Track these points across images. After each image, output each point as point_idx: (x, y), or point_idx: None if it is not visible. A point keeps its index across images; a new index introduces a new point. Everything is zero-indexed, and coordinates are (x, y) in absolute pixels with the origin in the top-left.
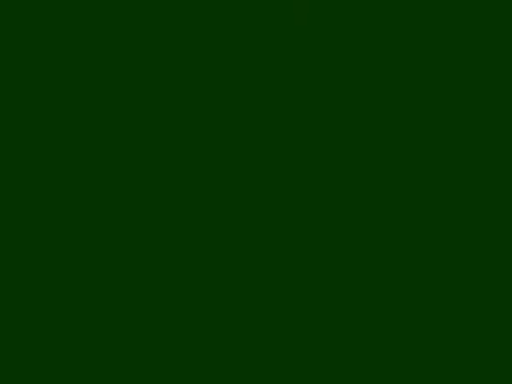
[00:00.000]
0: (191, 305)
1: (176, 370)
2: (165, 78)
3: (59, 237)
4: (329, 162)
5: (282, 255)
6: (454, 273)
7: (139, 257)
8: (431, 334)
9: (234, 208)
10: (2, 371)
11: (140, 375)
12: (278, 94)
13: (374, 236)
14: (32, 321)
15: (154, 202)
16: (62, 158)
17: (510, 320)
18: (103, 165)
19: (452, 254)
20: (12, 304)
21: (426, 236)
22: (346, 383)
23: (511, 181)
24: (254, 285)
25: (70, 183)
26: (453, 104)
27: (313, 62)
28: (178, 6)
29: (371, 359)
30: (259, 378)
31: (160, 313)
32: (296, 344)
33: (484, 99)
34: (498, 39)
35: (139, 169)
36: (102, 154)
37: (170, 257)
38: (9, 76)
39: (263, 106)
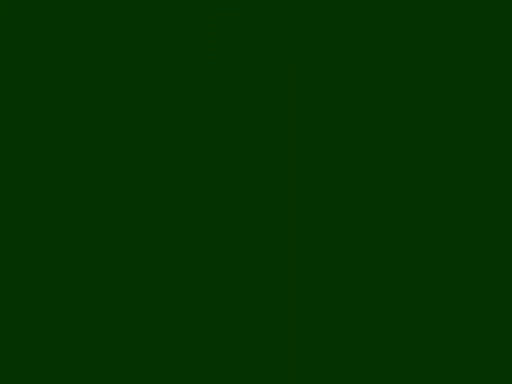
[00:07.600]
0: (190, 304)
1: (175, 369)
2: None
3: (59, 237)
4: (327, 162)
5: (279, 255)
6: (454, 273)
7: (138, 256)
8: (431, 334)
9: (232, 208)
10: (2, 371)
11: (139, 375)
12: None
13: (373, 237)
14: (32, 321)
15: (153, 202)
16: (61, 157)
17: (510, 320)
18: (102, 165)
19: (452, 254)
20: (12, 304)
21: (426, 237)
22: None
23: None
24: (252, 284)
25: (70, 183)
26: (450, 102)
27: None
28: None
29: (371, 359)
30: (259, 377)
31: (158, 313)
32: (295, 344)
33: (483, 99)
34: (497, 39)
35: (139, 169)
36: (101, 153)
37: (169, 256)
38: (9, 76)
39: (260, 106)
